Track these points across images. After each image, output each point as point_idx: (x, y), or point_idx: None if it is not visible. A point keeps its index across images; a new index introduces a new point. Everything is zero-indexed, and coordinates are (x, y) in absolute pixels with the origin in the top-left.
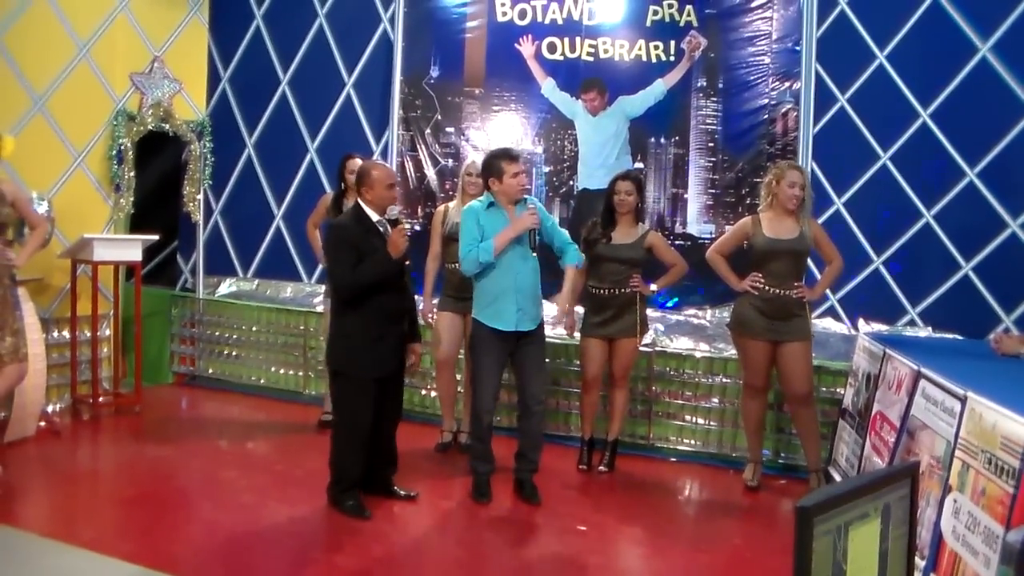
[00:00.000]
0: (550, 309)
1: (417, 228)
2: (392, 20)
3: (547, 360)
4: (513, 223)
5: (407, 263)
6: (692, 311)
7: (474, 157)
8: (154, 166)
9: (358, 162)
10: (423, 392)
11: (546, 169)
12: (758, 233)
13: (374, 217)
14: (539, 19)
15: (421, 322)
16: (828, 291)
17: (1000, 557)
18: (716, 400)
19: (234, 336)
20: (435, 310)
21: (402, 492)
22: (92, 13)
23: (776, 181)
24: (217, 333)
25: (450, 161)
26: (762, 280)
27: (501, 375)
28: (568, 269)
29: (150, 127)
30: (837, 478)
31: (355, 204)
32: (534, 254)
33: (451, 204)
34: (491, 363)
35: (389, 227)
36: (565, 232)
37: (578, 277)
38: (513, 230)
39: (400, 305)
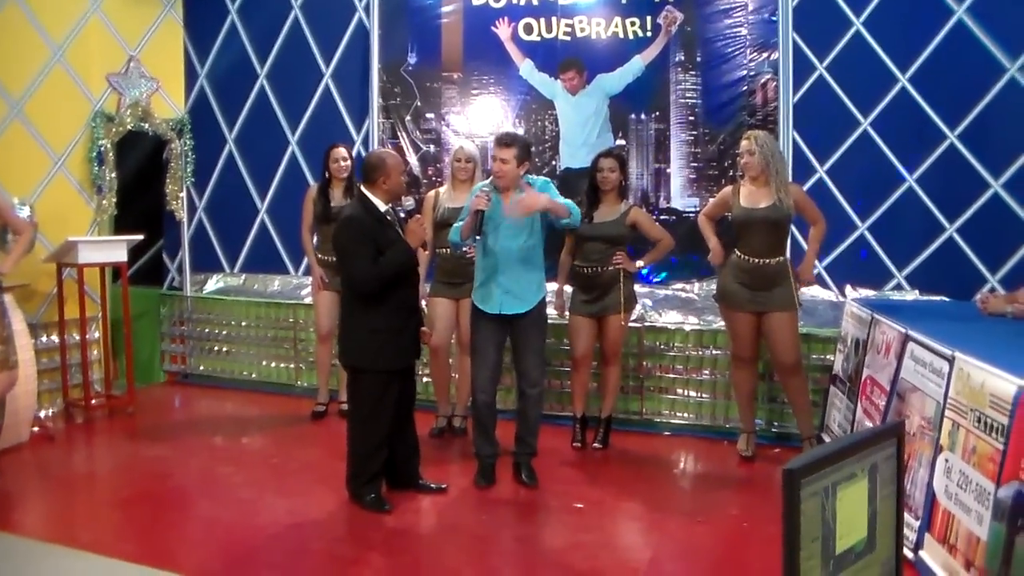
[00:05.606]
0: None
1: (403, 215)
2: (367, 8)
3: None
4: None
5: (427, 252)
6: (679, 285)
7: (462, 143)
8: (135, 166)
9: (342, 151)
10: (416, 378)
11: None
12: (735, 203)
13: (381, 208)
14: (514, 1)
15: None
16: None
17: (992, 513)
18: (707, 372)
19: (224, 332)
20: (427, 295)
21: (432, 485)
22: (65, 16)
23: None
24: (207, 330)
25: (432, 147)
26: (734, 252)
27: (497, 356)
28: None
29: (129, 127)
30: None
31: (360, 195)
32: (477, 237)
33: (442, 189)
34: (483, 343)
35: (395, 217)
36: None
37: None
38: (470, 215)
39: (416, 295)
